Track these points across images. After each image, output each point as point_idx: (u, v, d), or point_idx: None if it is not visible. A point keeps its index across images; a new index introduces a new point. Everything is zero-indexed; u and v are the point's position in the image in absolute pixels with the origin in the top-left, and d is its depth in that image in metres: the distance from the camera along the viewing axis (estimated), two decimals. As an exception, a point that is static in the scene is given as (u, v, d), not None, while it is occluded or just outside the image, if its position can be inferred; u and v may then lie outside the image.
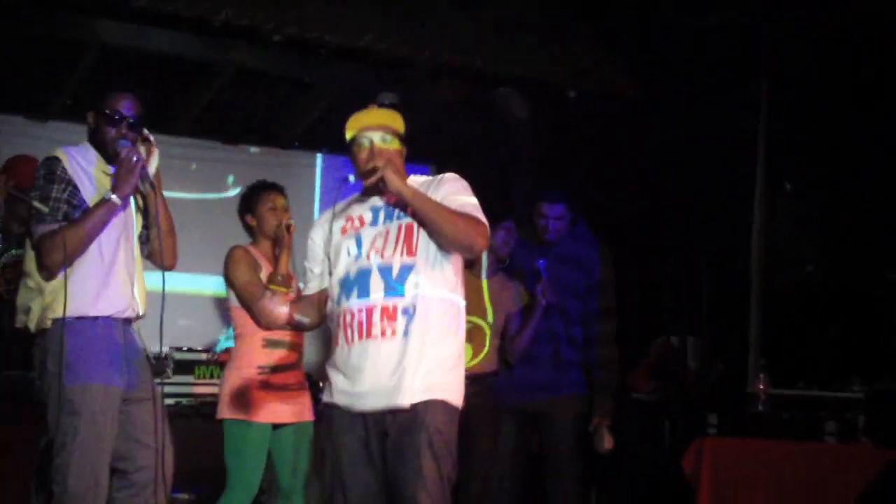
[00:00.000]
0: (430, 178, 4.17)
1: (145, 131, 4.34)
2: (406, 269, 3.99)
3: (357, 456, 3.98)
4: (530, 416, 5.67)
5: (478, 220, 3.99)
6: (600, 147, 7.66)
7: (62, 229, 4.15)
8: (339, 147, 8.69)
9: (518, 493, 5.75)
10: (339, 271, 4.05)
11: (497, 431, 5.58)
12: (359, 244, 4.06)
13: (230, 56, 7.27)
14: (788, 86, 7.16)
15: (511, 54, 7.47)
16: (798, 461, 5.47)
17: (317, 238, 4.16)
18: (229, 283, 5.26)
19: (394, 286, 3.98)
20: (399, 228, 4.03)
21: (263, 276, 5.15)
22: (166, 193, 4.49)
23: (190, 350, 6.74)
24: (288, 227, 4.91)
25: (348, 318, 3.98)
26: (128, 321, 4.37)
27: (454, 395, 4.02)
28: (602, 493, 7.16)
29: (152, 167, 4.32)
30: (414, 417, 3.92)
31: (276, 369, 5.19)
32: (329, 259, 4.10)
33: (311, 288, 4.19)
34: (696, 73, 7.20)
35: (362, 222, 4.10)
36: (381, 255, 4.01)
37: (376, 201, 4.11)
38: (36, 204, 4.21)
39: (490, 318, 5.59)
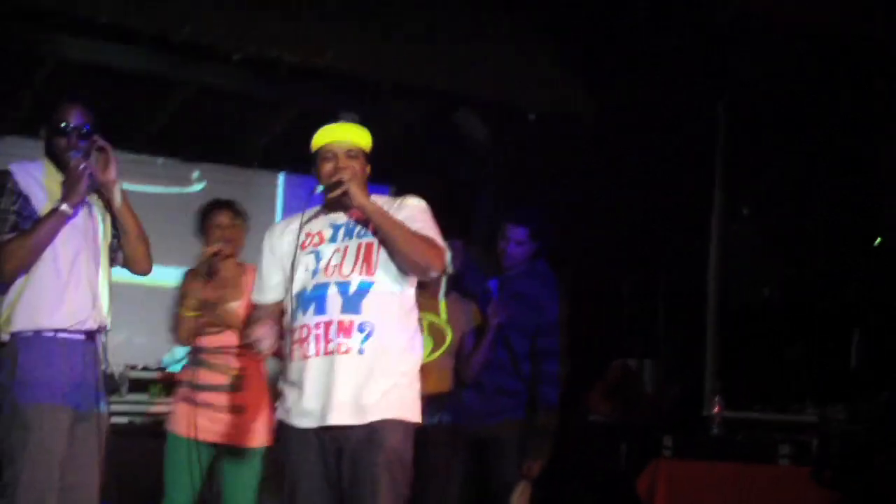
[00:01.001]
0: (392, 198, 4.20)
1: (99, 140, 4.31)
2: (364, 287, 3.99)
3: (314, 475, 3.97)
4: (480, 441, 5.65)
5: (436, 244, 4.03)
6: (559, 169, 7.68)
7: (11, 240, 4.14)
8: (300, 166, 8.70)
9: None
10: (296, 286, 4.03)
11: (453, 454, 5.56)
12: (317, 260, 4.06)
13: (190, 74, 7.25)
14: (746, 109, 7.21)
15: (471, 75, 7.48)
16: (752, 483, 5.50)
17: (276, 249, 4.16)
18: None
19: (351, 303, 3.98)
20: (359, 247, 4.05)
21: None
22: (131, 187, 4.48)
23: (145, 368, 6.69)
24: (215, 254, 5.10)
25: (304, 333, 3.97)
26: (90, 335, 4.34)
27: (412, 412, 4.03)
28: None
29: (110, 174, 4.29)
30: (371, 436, 3.91)
31: (199, 388, 5.18)
32: (286, 272, 4.08)
33: (268, 298, 4.19)
34: (654, 95, 7.23)
35: (321, 238, 4.10)
36: (340, 272, 4.01)
37: (337, 218, 4.12)
38: None
39: (448, 338, 5.58)
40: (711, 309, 7.21)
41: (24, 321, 4.17)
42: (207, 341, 5.23)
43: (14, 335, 4.17)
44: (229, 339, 5.24)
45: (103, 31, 6.55)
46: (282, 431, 4.07)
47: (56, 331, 4.22)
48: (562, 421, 5.60)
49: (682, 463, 5.73)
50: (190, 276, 5.32)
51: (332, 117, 7.68)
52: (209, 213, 5.38)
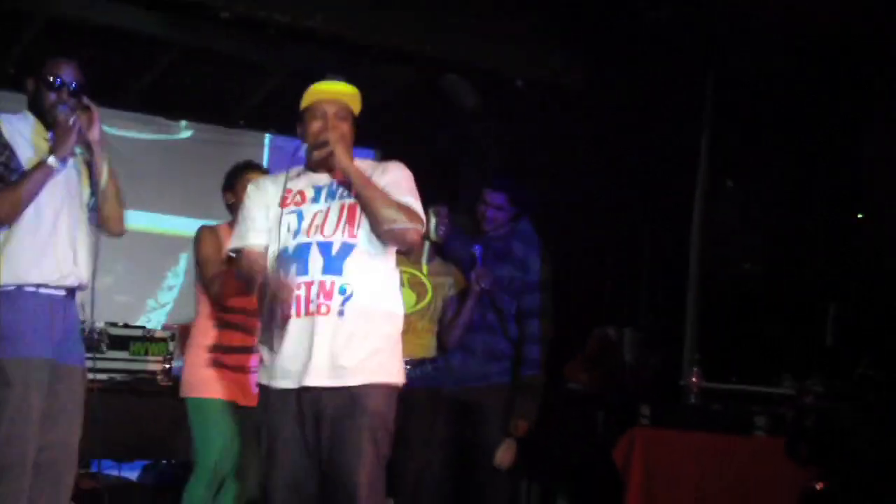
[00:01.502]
0: (376, 162, 4.23)
1: (85, 99, 4.31)
2: (346, 248, 4.00)
3: (291, 437, 3.97)
4: (463, 404, 5.68)
5: (415, 214, 4.04)
6: (545, 137, 7.69)
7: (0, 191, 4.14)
8: (287, 128, 8.69)
9: (451, 480, 5.76)
10: (278, 246, 4.03)
11: (434, 418, 5.59)
12: (299, 220, 4.05)
13: (178, 33, 7.23)
14: (735, 82, 7.22)
15: (460, 41, 7.48)
16: (727, 453, 5.54)
17: (260, 198, 4.12)
18: (195, 260, 5.31)
19: (333, 264, 3.98)
20: (342, 208, 4.05)
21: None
22: (118, 132, 4.48)
23: (126, 326, 6.70)
24: None
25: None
26: (70, 291, 4.35)
27: (394, 375, 4.06)
28: (533, 483, 7.20)
29: (94, 134, 4.29)
30: (354, 400, 3.94)
31: (228, 350, 5.20)
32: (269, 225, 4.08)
33: (253, 241, 4.12)
34: (643, 66, 7.24)
35: (303, 198, 4.09)
36: (322, 233, 4.01)
37: (320, 179, 4.12)
38: None
39: (429, 300, 5.59)
40: (693, 280, 7.24)
41: (5, 275, 4.18)
42: (241, 302, 5.19)
43: None
44: (254, 300, 5.22)
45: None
46: (262, 394, 4.07)
47: (38, 286, 4.23)
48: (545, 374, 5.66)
49: (659, 431, 5.77)
50: (207, 235, 5.27)
51: (319, 79, 7.75)
52: (239, 172, 5.34)
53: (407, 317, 5.04)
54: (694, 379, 5.88)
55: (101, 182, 4.35)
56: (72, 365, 4.34)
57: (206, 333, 5.26)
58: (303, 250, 4.01)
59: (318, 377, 3.94)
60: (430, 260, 5.64)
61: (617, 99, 7.48)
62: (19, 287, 4.20)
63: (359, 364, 3.96)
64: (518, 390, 5.59)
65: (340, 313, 3.96)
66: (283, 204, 4.06)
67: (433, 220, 5.59)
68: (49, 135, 4.30)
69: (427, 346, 5.55)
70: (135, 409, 6.13)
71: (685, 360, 7.10)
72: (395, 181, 4.09)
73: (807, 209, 7.16)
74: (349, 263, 3.99)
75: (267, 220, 4.10)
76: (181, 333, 6.30)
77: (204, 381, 5.18)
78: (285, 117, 8.15)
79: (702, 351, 6.63)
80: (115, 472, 6.56)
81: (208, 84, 8.06)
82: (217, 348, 5.20)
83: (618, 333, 7.31)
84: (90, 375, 4.55)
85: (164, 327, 6.97)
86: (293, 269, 3.97)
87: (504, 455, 5.57)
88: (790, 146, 7.19)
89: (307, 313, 3.96)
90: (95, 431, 4.40)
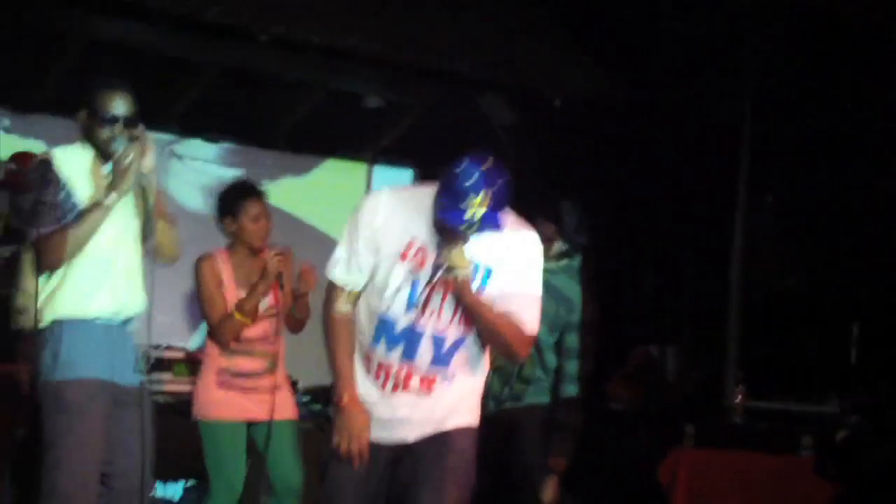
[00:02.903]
0: (510, 234, 3.79)
1: (140, 128, 4.28)
2: (458, 343, 3.80)
3: (356, 478, 3.87)
4: (499, 425, 5.63)
5: (527, 337, 3.85)
6: (584, 155, 7.67)
7: (58, 231, 4.11)
8: (324, 149, 8.71)
9: (490, 501, 5.73)
10: (385, 305, 3.74)
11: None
12: (414, 290, 3.72)
13: (216, 54, 7.26)
14: (773, 97, 7.18)
15: (497, 60, 7.47)
16: (773, 474, 5.50)
17: (377, 235, 3.71)
18: (197, 292, 5.30)
19: (443, 359, 3.80)
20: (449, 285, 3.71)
21: (228, 284, 5.20)
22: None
23: (168, 348, 6.71)
24: (281, 255, 5.09)
25: (385, 367, 3.80)
26: (125, 321, 4.35)
27: (474, 415, 3.97)
28: (577, 502, 7.16)
29: (147, 164, 4.28)
30: (443, 441, 3.86)
31: (236, 375, 5.22)
32: (382, 271, 3.74)
33: (360, 282, 3.80)
34: (681, 82, 7.21)
35: (423, 259, 3.70)
36: (439, 321, 3.74)
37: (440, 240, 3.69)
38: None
39: None
40: (734, 297, 7.20)
41: (64, 308, 4.17)
42: (249, 332, 5.23)
43: (52, 322, 4.18)
44: (269, 326, 5.25)
45: (131, 11, 6.55)
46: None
47: (95, 318, 4.24)
48: (583, 410, 5.59)
49: (704, 451, 5.74)
50: (207, 270, 5.27)
51: (357, 100, 7.76)
52: (240, 200, 5.28)
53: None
54: (738, 398, 5.83)
55: (154, 211, 4.34)
56: (131, 388, 4.34)
57: (214, 358, 5.29)
58: (414, 335, 3.75)
59: (408, 433, 3.86)
60: None
61: (655, 115, 7.45)
62: (77, 319, 4.20)
63: (448, 413, 3.87)
64: (555, 427, 5.53)
65: (437, 392, 3.83)
66: (402, 256, 3.70)
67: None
68: (105, 168, 4.28)
69: None
70: (178, 430, 6.13)
71: (727, 377, 7.04)
72: (520, 284, 3.82)
73: (848, 221, 7.10)
74: (457, 357, 3.82)
75: (374, 259, 3.74)
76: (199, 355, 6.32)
77: (214, 404, 5.23)
78: (322, 138, 8.25)
79: (744, 368, 6.57)
80: (159, 493, 6.56)
81: (245, 105, 8.07)
82: (225, 372, 5.23)
83: (659, 351, 7.28)
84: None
85: (200, 349, 6.98)
86: (399, 348, 3.77)
87: (550, 494, 5.52)
88: (830, 160, 7.15)
89: (405, 389, 3.81)
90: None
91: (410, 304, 3.71)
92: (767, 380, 6.43)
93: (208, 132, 8.07)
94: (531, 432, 5.57)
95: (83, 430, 4.12)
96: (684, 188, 7.48)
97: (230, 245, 5.33)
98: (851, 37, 6.70)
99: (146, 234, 4.39)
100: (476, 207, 3.51)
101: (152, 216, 4.34)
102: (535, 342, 5.40)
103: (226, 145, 8.29)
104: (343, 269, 3.78)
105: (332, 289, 3.84)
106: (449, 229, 3.57)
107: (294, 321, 5.43)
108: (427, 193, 3.67)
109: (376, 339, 3.77)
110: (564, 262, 5.52)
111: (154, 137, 4.29)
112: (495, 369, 5.53)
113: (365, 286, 3.81)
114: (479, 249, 3.68)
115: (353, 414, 3.78)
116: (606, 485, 6.96)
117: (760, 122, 7.27)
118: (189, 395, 6.26)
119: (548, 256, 5.47)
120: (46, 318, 4.19)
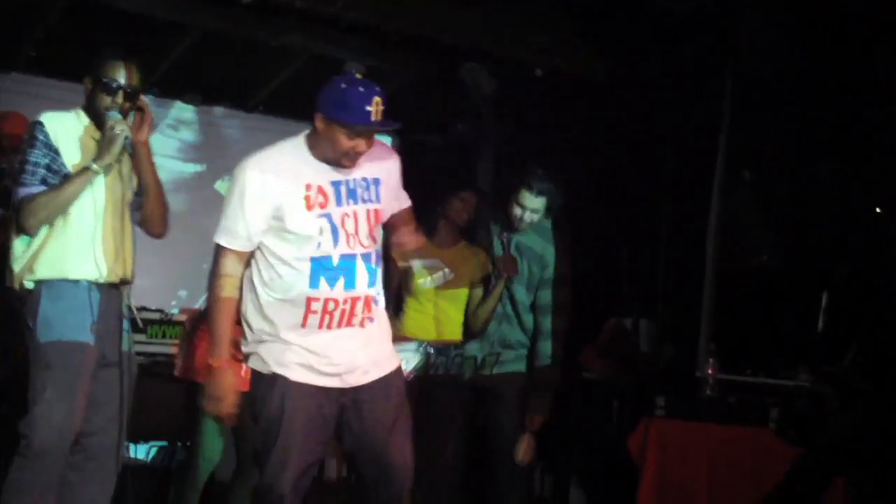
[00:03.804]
0: (382, 148, 4.27)
1: (142, 101, 4.32)
2: (377, 257, 4.11)
3: (313, 421, 4.05)
4: (478, 391, 5.69)
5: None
6: (563, 127, 7.69)
7: (40, 194, 4.17)
8: (305, 115, 8.68)
9: (465, 467, 5.78)
10: (310, 251, 3.99)
11: (454, 405, 5.60)
12: (332, 226, 4.01)
13: (198, 17, 7.23)
14: (754, 75, 7.20)
15: (479, 30, 7.47)
16: (742, 445, 5.55)
17: (269, 194, 3.98)
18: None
19: (373, 276, 4.09)
20: (367, 213, 4.08)
21: None
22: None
23: (143, 309, 6.73)
24: None
25: (330, 306, 4.00)
26: (113, 286, 4.36)
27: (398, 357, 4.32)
28: (547, 471, 7.22)
29: (144, 135, 4.31)
30: (387, 384, 4.14)
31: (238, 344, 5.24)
32: (281, 224, 4.00)
33: (246, 246, 4.05)
34: (661, 58, 7.23)
35: (326, 198, 4.02)
36: (360, 242, 4.03)
37: (333, 173, 4.05)
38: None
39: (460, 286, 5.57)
40: (709, 272, 7.24)
41: (45, 270, 4.24)
42: None
43: (38, 283, 4.24)
44: None
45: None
46: (271, 382, 4.08)
47: (79, 281, 4.25)
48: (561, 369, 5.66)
49: (674, 423, 5.78)
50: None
51: (338, 67, 7.75)
52: None
53: (437, 303, 5.12)
54: (710, 370, 5.88)
55: (146, 183, 4.37)
56: (116, 351, 4.36)
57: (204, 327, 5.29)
58: (348, 262, 4.03)
59: (359, 376, 4.11)
60: (455, 243, 5.63)
61: (635, 90, 7.46)
62: (61, 280, 4.25)
63: (386, 351, 4.22)
64: (533, 386, 5.58)
65: (372, 320, 4.13)
66: (308, 205, 4.00)
67: (457, 204, 5.58)
68: (97, 134, 4.31)
69: (455, 333, 5.56)
70: (150, 392, 6.15)
71: (700, 352, 7.09)
72: (399, 186, 4.29)
73: (824, 201, 7.14)
74: (378, 271, 4.12)
75: (267, 219, 4.00)
76: (189, 317, 6.32)
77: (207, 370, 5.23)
78: (305, 103, 8.24)
79: (717, 342, 6.62)
80: (128, 455, 6.59)
81: (227, 69, 8.06)
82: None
83: (633, 323, 7.33)
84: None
85: (182, 311, 7.00)
86: (340, 280, 4.02)
87: (524, 452, 5.57)
88: (808, 138, 7.18)
89: (348, 325, 4.07)
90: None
91: (336, 237, 4.00)
92: (739, 353, 6.47)
93: (188, 95, 8.06)
94: (509, 399, 5.63)
95: (62, 386, 4.18)
96: (662, 163, 7.51)
97: None
98: (835, 14, 6.71)
99: (136, 204, 4.42)
100: (378, 106, 3.91)
101: (143, 188, 4.38)
102: (514, 305, 5.49)
103: (186, 139, 8.25)
104: (232, 237, 4.03)
105: (218, 254, 4.08)
106: (360, 130, 3.93)
107: None
108: (293, 143, 4.10)
109: (314, 281, 3.98)
110: (536, 222, 5.58)
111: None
112: (474, 335, 5.60)
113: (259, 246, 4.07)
114: (368, 164, 4.09)
115: (225, 375, 4.03)
116: (577, 453, 7.02)
117: (739, 98, 7.30)
118: (164, 356, 6.30)
119: (534, 225, 5.55)
120: (28, 279, 4.25)
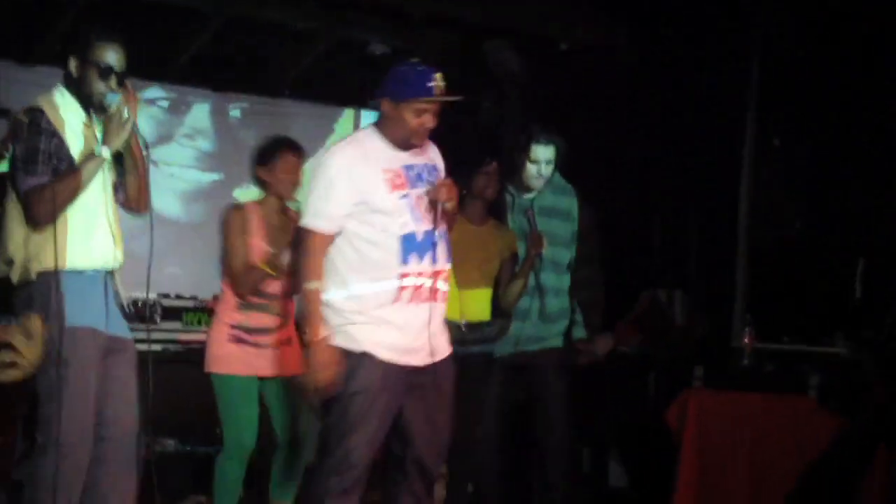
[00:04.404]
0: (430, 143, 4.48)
1: (127, 82, 4.25)
2: (446, 235, 4.40)
3: (394, 400, 4.28)
4: (518, 368, 5.69)
5: None
6: (591, 101, 7.64)
7: (51, 183, 4.08)
8: (331, 97, 8.66)
9: (501, 442, 5.78)
10: (396, 230, 4.24)
11: (488, 382, 5.60)
12: (409, 204, 4.29)
13: (220, 4, 7.22)
14: (781, 42, 7.14)
15: (503, 6, 7.44)
16: (782, 413, 5.52)
17: (356, 178, 4.25)
18: (222, 240, 5.32)
19: (448, 252, 4.39)
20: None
21: (254, 235, 5.20)
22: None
23: (178, 297, 6.74)
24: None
25: (420, 280, 4.27)
26: (110, 272, 4.34)
27: None
28: (586, 447, 7.21)
29: (133, 115, 4.25)
30: (447, 367, 4.42)
31: (250, 330, 5.24)
32: (368, 206, 4.24)
33: (334, 228, 4.28)
34: (689, 26, 7.18)
35: (402, 181, 4.31)
36: (434, 221, 4.31)
37: (405, 158, 4.35)
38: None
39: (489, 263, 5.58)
40: (742, 241, 7.20)
41: (51, 260, 4.13)
42: (270, 288, 5.25)
43: (41, 274, 4.16)
44: (289, 283, 5.27)
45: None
46: (358, 362, 4.25)
47: (84, 271, 4.23)
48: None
49: (712, 393, 5.76)
50: (235, 217, 5.27)
51: (362, 48, 7.73)
52: (278, 151, 5.31)
53: (467, 279, 5.17)
54: (746, 340, 5.84)
55: (132, 164, 4.31)
56: (120, 338, 4.35)
57: (229, 312, 5.32)
58: (431, 239, 4.30)
59: (429, 356, 4.35)
60: (484, 221, 5.62)
61: (663, 59, 7.42)
62: (67, 271, 4.17)
63: (446, 339, 4.47)
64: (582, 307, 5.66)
65: (445, 295, 4.42)
66: (392, 186, 4.27)
67: (482, 179, 5.56)
68: (89, 119, 4.24)
69: (484, 310, 5.54)
70: (188, 379, 6.16)
71: (735, 322, 7.07)
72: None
73: (856, 165, 7.08)
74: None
75: (354, 204, 4.25)
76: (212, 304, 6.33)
77: (227, 358, 5.26)
78: (329, 85, 8.22)
79: (752, 312, 6.59)
80: (170, 442, 6.61)
81: (251, 54, 8.04)
82: (239, 327, 5.25)
83: (667, 295, 7.29)
84: (145, 346, 4.57)
85: (215, 297, 7.00)
86: (428, 254, 4.29)
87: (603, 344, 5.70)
88: (838, 104, 7.12)
89: (433, 299, 4.34)
90: (147, 400, 4.43)
91: (415, 216, 4.28)
92: (775, 322, 6.43)
93: (212, 82, 8.04)
94: (552, 376, 5.64)
95: (79, 380, 4.13)
96: (691, 133, 7.46)
97: (260, 199, 5.34)
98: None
99: (120, 185, 4.36)
100: (439, 82, 4.22)
101: (130, 168, 4.32)
102: (555, 265, 5.57)
103: (202, 148, 8.22)
104: (323, 219, 4.28)
105: (311, 237, 4.29)
106: (426, 106, 4.23)
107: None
108: (366, 133, 4.44)
109: (405, 257, 4.24)
110: (549, 181, 5.62)
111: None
112: (505, 313, 5.60)
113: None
114: (426, 153, 4.42)
115: (324, 349, 4.23)
116: (615, 428, 7.00)
117: (768, 65, 7.24)
118: (200, 343, 6.31)
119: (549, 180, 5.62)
120: (34, 270, 4.17)
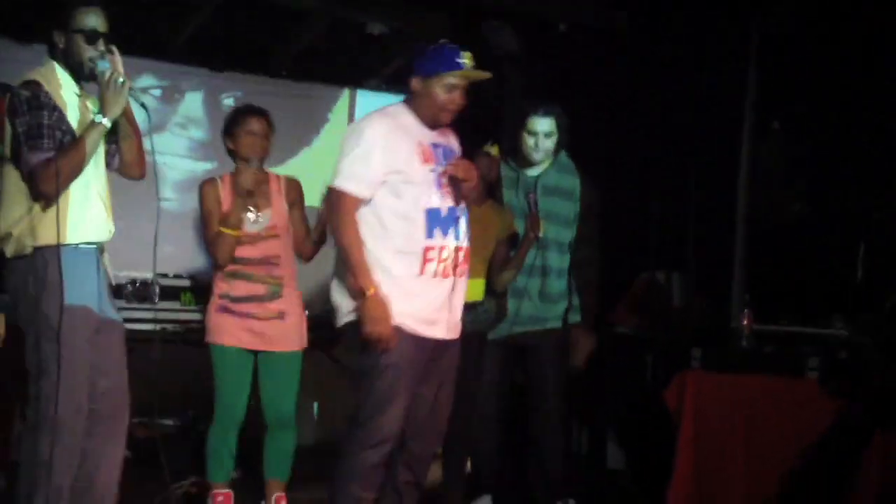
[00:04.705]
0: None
1: (112, 46, 4.22)
2: (467, 213, 4.52)
3: (417, 377, 4.38)
4: (516, 349, 5.68)
5: None
6: (589, 82, 7.63)
7: (59, 156, 4.06)
8: (330, 77, 8.64)
9: (499, 423, 5.77)
10: (424, 203, 4.35)
11: (482, 362, 5.59)
12: (437, 179, 4.39)
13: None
14: (781, 23, 7.12)
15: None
16: (780, 395, 5.50)
17: (390, 148, 4.32)
18: (200, 214, 5.41)
19: (469, 229, 4.50)
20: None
21: (227, 202, 5.26)
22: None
23: (175, 276, 6.74)
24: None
25: (444, 254, 4.37)
26: (100, 248, 4.33)
27: None
28: (583, 428, 7.21)
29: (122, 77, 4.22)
30: (455, 352, 4.54)
31: (237, 300, 5.25)
32: (401, 175, 4.33)
33: (368, 194, 4.33)
34: (688, 7, 7.15)
35: (430, 156, 4.41)
36: (454, 194, 4.42)
37: (433, 136, 4.46)
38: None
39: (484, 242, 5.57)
40: (740, 222, 7.19)
41: (48, 235, 4.13)
42: (245, 252, 5.26)
43: (37, 248, 4.15)
44: (270, 248, 5.28)
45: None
46: (396, 335, 4.33)
47: (78, 244, 4.21)
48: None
49: (711, 374, 5.74)
50: (209, 191, 5.31)
51: (360, 28, 7.70)
52: (241, 117, 5.37)
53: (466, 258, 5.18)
54: (745, 321, 5.83)
55: (125, 127, 4.29)
56: (110, 318, 4.35)
57: (217, 283, 5.38)
58: (455, 215, 4.41)
59: (454, 330, 4.50)
60: (482, 202, 5.61)
61: (660, 42, 7.40)
62: (61, 245, 4.15)
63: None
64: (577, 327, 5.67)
65: (466, 272, 4.51)
66: (423, 159, 4.37)
67: (484, 161, 5.56)
68: (79, 88, 4.23)
69: (480, 290, 5.54)
70: (187, 358, 6.16)
71: (734, 303, 7.06)
72: None
73: (855, 147, 7.07)
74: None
75: (385, 172, 4.31)
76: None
77: (217, 328, 5.33)
78: (327, 66, 8.19)
79: (751, 293, 6.58)
80: (168, 421, 6.61)
81: (249, 34, 8.01)
82: (224, 297, 5.29)
83: (665, 276, 7.29)
84: (147, 326, 4.57)
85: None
86: (451, 229, 4.38)
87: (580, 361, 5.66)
88: (837, 86, 7.10)
89: (456, 274, 4.43)
90: (150, 381, 4.43)
91: (441, 191, 4.39)
92: (774, 303, 6.42)
93: (211, 62, 8.01)
94: (548, 357, 5.63)
95: (73, 356, 4.12)
96: (690, 114, 7.44)
97: (234, 170, 5.37)
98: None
99: (111, 152, 4.35)
100: (467, 59, 4.40)
101: (123, 133, 4.30)
102: (558, 245, 5.57)
103: (195, 137, 8.19)
104: (357, 182, 4.31)
105: (344, 199, 4.33)
106: (456, 81, 4.38)
107: (308, 248, 5.44)
108: (397, 108, 4.50)
109: (430, 231, 4.34)
110: (556, 158, 5.60)
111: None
112: (513, 291, 5.60)
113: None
114: (447, 136, 4.55)
115: (379, 302, 4.26)
116: (614, 409, 7.00)
117: (768, 47, 7.22)
118: (197, 322, 6.32)
119: (549, 152, 5.62)
120: (30, 246, 4.16)
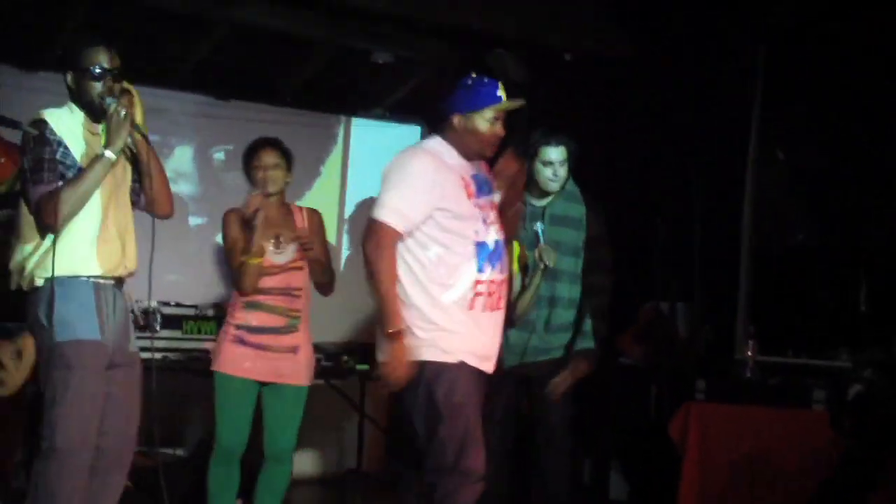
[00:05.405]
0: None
1: (124, 82, 4.29)
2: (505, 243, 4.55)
3: (479, 413, 4.41)
4: (522, 380, 5.65)
5: None
6: (595, 110, 7.63)
7: (62, 189, 4.12)
8: (335, 106, 8.64)
9: (509, 457, 5.74)
10: (472, 236, 4.35)
11: (493, 394, 5.55)
12: (481, 212, 4.41)
13: (226, 11, 7.20)
14: (786, 53, 7.13)
15: (508, 15, 7.41)
16: (785, 427, 5.50)
17: (437, 183, 4.33)
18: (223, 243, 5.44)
19: (507, 263, 4.53)
20: (493, 203, 4.54)
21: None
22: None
23: (178, 305, 6.72)
24: (255, 213, 5.21)
25: (492, 288, 4.37)
26: (119, 280, 4.35)
27: None
28: (587, 458, 7.19)
29: (138, 116, 4.29)
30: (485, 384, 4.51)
31: (254, 330, 5.24)
32: (448, 212, 4.33)
33: (407, 228, 4.32)
34: (693, 37, 7.16)
35: (473, 189, 4.42)
36: (498, 231, 4.45)
37: (471, 168, 4.48)
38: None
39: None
40: (745, 253, 7.18)
41: (59, 267, 4.17)
42: (267, 283, 5.26)
43: (50, 280, 4.19)
44: (292, 280, 5.29)
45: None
46: (445, 372, 4.32)
47: (89, 277, 4.23)
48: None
49: (715, 406, 5.73)
50: (232, 220, 5.33)
51: (366, 57, 7.71)
52: (254, 152, 5.41)
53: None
54: (749, 353, 5.82)
55: (146, 164, 4.34)
56: (125, 350, 4.35)
57: (234, 312, 5.37)
58: (500, 249, 4.42)
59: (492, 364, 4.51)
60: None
61: (667, 71, 7.40)
62: (72, 278, 4.21)
63: None
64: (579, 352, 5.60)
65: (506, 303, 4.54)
66: (468, 193, 4.38)
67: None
68: (96, 128, 4.28)
69: None
70: (188, 388, 6.16)
71: (738, 334, 7.04)
72: None
73: (859, 177, 7.06)
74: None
75: (430, 209, 4.31)
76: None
77: (227, 358, 5.30)
78: (333, 95, 8.20)
79: (755, 324, 6.56)
80: (169, 450, 6.59)
81: (256, 63, 8.01)
82: (241, 327, 5.28)
83: (669, 307, 7.27)
84: (147, 354, 4.57)
85: (214, 305, 6.98)
86: (498, 263, 4.40)
87: (559, 385, 5.54)
88: (842, 117, 7.10)
89: (498, 308, 4.43)
90: (151, 409, 4.42)
91: (486, 224, 4.40)
92: (779, 334, 6.41)
93: (217, 90, 8.01)
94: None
95: (82, 387, 4.15)
96: (695, 144, 7.44)
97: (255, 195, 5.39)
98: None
99: (136, 190, 4.40)
100: (503, 90, 4.46)
101: (144, 170, 4.34)
102: (567, 275, 5.53)
103: (185, 192, 8.14)
104: (399, 217, 4.30)
105: (384, 231, 4.29)
106: (496, 115, 4.44)
107: (328, 278, 5.44)
108: (437, 145, 4.51)
109: (480, 265, 4.34)
110: (564, 189, 5.59)
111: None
112: (513, 324, 5.57)
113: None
114: (480, 167, 4.56)
115: (403, 345, 4.25)
116: (618, 440, 6.97)
117: (773, 76, 7.22)
118: (199, 352, 6.31)
119: (563, 181, 5.60)
120: (41, 278, 4.20)
